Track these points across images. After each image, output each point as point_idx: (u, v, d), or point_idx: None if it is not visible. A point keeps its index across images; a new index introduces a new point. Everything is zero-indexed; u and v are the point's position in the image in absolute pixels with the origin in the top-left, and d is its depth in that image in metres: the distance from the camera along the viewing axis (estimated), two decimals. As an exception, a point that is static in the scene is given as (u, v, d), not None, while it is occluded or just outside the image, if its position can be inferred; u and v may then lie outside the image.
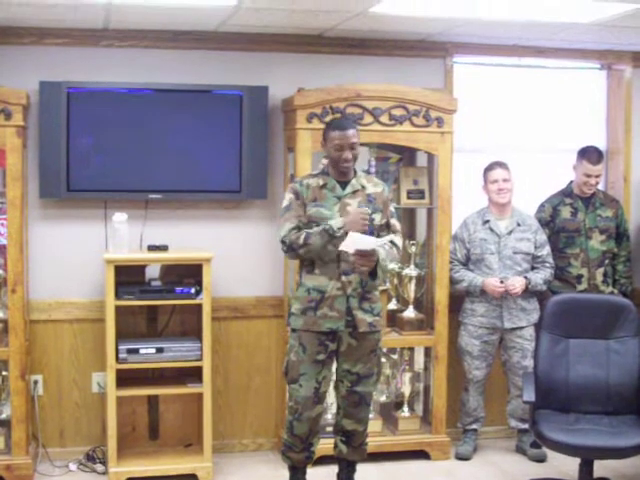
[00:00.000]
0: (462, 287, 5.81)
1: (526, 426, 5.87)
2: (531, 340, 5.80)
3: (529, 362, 5.72)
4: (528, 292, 5.80)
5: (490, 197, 5.88)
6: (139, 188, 5.58)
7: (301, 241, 4.61)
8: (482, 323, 5.83)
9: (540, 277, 5.80)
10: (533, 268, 5.86)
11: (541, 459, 5.80)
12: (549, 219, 6.07)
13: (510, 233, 5.84)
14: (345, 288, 4.68)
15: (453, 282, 5.81)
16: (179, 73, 5.66)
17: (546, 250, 5.89)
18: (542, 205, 6.14)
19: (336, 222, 4.58)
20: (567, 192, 6.13)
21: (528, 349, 5.81)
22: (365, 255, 4.51)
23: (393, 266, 4.72)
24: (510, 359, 5.89)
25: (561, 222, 6.05)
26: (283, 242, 4.69)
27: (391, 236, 4.72)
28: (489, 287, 5.72)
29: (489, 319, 5.82)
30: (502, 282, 5.71)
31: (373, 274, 4.65)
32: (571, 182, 6.15)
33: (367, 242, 4.53)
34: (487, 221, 5.85)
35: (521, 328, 5.84)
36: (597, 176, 6.02)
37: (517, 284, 5.71)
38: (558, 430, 4.77)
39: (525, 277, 5.77)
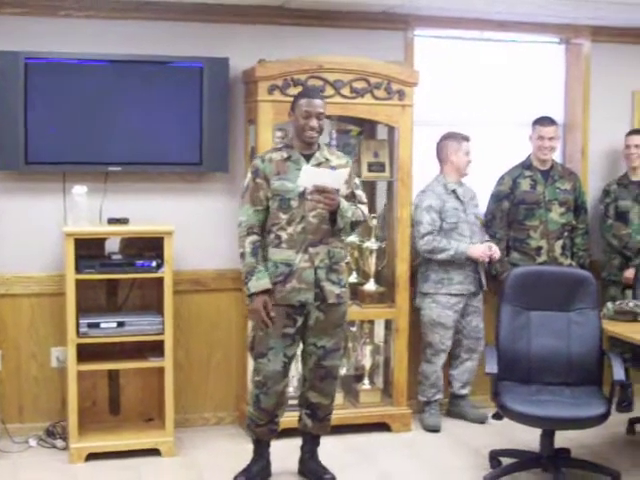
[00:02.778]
0: (447, 256, 5.83)
1: (467, 391, 6.15)
2: (483, 303, 6.05)
3: (483, 324, 6.04)
4: None
5: (460, 166, 5.95)
6: (98, 160, 5.51)
7: (241, 249, 4.70)
8: (459, 290, 5.90)
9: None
10: None
11: (482, 420, 6.00)
12: (508, 191, 6.11)
13: (468, 201, 5.98)
14: (313, 260, 4.67)
15: (437, 252, 5.82)
16: (139, 44, 5.57)
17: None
18: (501, 177, 6.19)
19: (254, 286, 4.63)
20: (526, 164, 6.18)
21: (482, 310, 6.05)
22: (324, 191, 4.51)
23: (356, 222, 4.73)
24: (470, 323, 6.02)
25: (520, 194, 6.10)
26: (239, 226, 4.72)
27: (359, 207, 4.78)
28: (477, 252, 5.83)
29: (465, 285, 5.91)
30: (490, 248, 5.87)
31: (333, 221, 4.65)
32: (529, 155, 6.19)
33: (322, 174, 4.56)
34: (453, 190, 5.92)
35: (478, 292, 6.02)
36: (550, 139, 6.09)
37: (498, 250, 5.91)
38: (520, 401, 4.81)
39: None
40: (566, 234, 6.17)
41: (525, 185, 6.12)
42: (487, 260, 5.89)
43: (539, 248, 6.08)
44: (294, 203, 4.66)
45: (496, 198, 6.18)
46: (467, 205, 5.95)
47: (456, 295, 5.91)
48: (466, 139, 5.94)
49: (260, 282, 4.66)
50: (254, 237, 4.70)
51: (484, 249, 5.85)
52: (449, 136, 5.98)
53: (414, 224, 5.86)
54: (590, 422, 4.80)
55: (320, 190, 4.52)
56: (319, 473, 4.97)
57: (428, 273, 5.95)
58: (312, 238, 4.67)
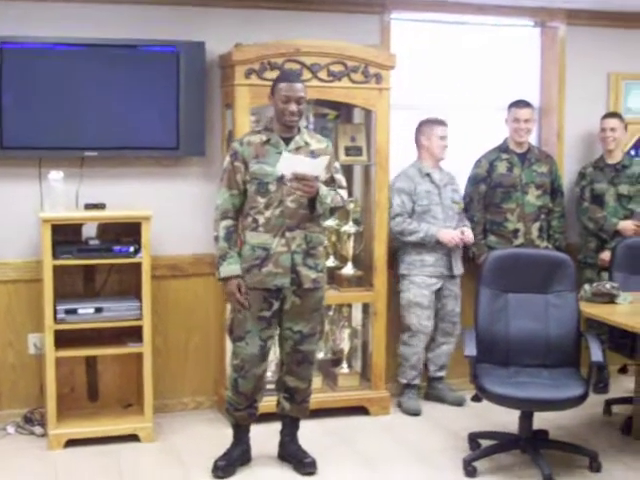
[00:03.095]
0: (417, 238, 5.84)
1: (443, 374, 6.19)
2: (459, 286, 6.06)
3: (459, 308, 6.06)
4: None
5: (433, 151, 5.95)
6: (75, 145, 5.47)
7: (215, 233, 4.71)
8: (432, 273, 5.91)
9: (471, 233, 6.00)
10: None
11: (460, 403, 6.05)
12: (485, 174, 6.14)
13: (445, 185, 5.98)
14: (289, 244, 4.66)
15: (406, 234, 5.84)
16: (115, 28, 5.52)
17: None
18: (479, 160, 6.21)
19: (224, 271, 4.66)
20: (503, 148, 6.20)
21: (459, 295, 6.08)
22: (303, 179, 4.51)
23: (335, 208, 4.74)
24: (444, 307, 6.04)
25: (497, 177, 6.12)
26: (215, 209, 4.73)
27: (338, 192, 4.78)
28: (447, 237, 5.84)
29: (438, 268, 5.92)
30: (463, 232, 5.89)
31: (312, 207, 4.64)
32: (506, 139, 6.21)
33: (302, 162, 4.54)
34: (428, 174, 5.93)
35: (459, 275, 6.02)
36: (526, 121, 6.12)
37: (471, 235, 5.92)
38: (499, 383, 4.82)
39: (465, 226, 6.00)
40: (543, 217, 6.20)
41: (502, 168, 6.14)
42: (458, 244, 5.90)
43: (516, 231, 6.10)
44: (272, 187, 4.64)
45: (473, 181, 6.19)
46: (443, 189, 5.95)
47: (430, 277, 5.93)
48: (440, 123, 5.96)
49: (230, 267, 4.66)
50: (228, 221, 4.70)
51: (454, 234, 5.86)
52: (423, 121, 6.01)
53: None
54: (568, 403, 4.82)
55: (299, 178, 4.52)
56: (299, 457, 4.96)
57: (403, 256, 5.97)
58: (289, 222, 4.66)
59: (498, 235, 6.13)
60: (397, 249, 6.00)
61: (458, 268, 6.01)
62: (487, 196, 6.13)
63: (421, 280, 5.92)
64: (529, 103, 6.20)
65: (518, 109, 6.12)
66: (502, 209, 6.13)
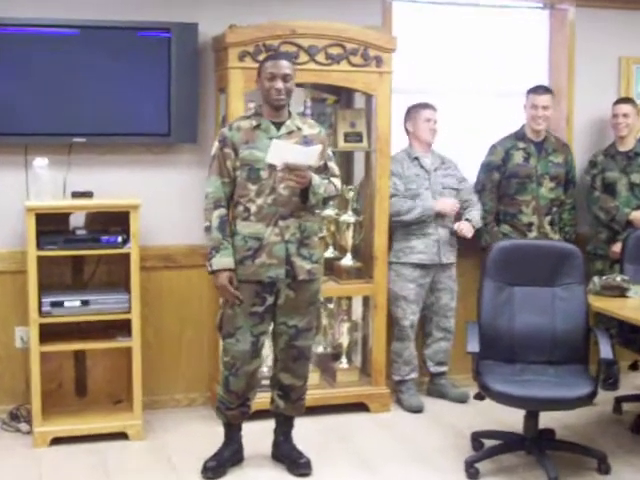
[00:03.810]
0: (415, 215, 5.65)
1: (444, 369, 6.00)
2: (456, 280, 5.89)
3: (455, 303, 5.90)
4: (443, 221, 5.79)
5: (419, 135, 5.79)
6: (62, 131, 5.28)
7: (207, 223, 4.49)
8: (421, 260, 5.72)
9: (476, 214, 5.81)
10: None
11: (463, 400, 5.85)
12: (500, 162, 5.93)
13: (436, 170, 5.80)
14: (283, 234, 4.44)
15: (403, 213, 5.64)
16: (104, 10, 5.31)
17: (468, 185, 5.91)
18: (493, 147, 6.00)
19: (217, 263, 4.43)
20: (520, 135, 6.00)
21: (455, 290, 5.91)
22: (294, 169, 4.30)
23: (328, 198, 4.54)
24: (438, 301, 5.88)
25: (513, 167, 5.92)
26: (206, 197, 4.51)
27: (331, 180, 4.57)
28: (447, 206, 5.71)
29: (428, 255, 5.73)
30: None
31: (305, 198, 4.43)
32: (523, 126, 6.01)
33: (293, 151, 4.32)
34: (416, 158, 5.76)
35: (450, 267, 5.85)
36: (544, 107, 5.90)
37: (468, 231, 5.74)
38: (503, 381, 4.62)
39: (467, 219, 5.77)
40: (555, 209, 5.99)
41: (518, 157, 5.93)
42: (453, 213, 5.76)
43: (530, 224, 5.91)
44: (264, 174, 4.42)
45: (487, 168, 5.98)
46: (433, 174, 5.77)
47: (417, 266, 5.73)
48: (427, 107, 5.78)
49: (223, 260, 4.44)
50: (221, 210, 4.47)
51: (453, 201, 5.73)
52: (410, 107, 5.84)
53: None
54: (576, 403, 4.62)
55: (291, 168, 4.30)
56: (293, 457, 4.76)
57: (392, 243, 5.77)
58: (283, 211, 4.44)
59: (512, 226, 5.94)
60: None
61: (447, 257, 5.80)
62: (501, 185, 5.93)
63: (408, 272, 5.74)
64: (549, 89, 6.00)
65: (536, 95, 5.91)
66: (516, 200, 5.93)
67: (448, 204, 5.70)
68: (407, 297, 5.76)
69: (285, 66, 4.44)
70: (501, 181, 5.94)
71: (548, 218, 5.96)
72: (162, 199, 5.53)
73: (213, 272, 4.47)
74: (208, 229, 4.48)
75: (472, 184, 5.97)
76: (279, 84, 4.42)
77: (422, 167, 5.76)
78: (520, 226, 5.92)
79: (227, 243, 4.45)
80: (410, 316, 5.79)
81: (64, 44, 5.22)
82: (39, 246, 4.96)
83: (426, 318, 5.95)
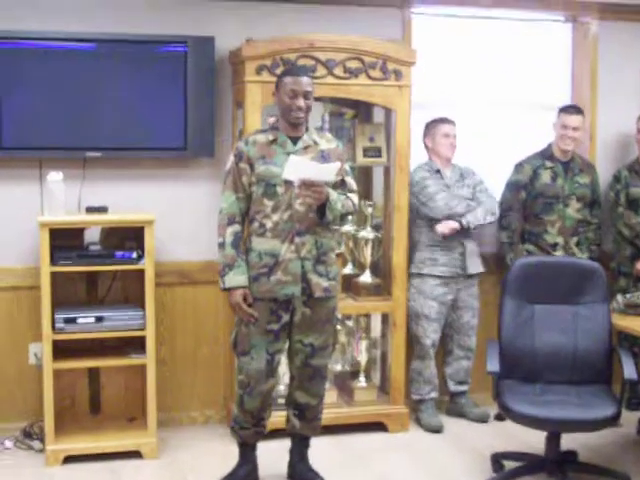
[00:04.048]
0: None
1: (465, 388, 5.90)
2: (478, 298, 5.80)
3: (477, 321, 5.80)
4: (467, 233, 5.67)
5: (438, 150, 5.71)
6: (77, 146, 5.23)
7: (220, 239, 4.41)
8: (443, 272, 5.63)
9: (478, 213, 5.64)
10: None
11: (484, 419, 5.75)
12: (527, 181, 5.83)
13: (456, 182, 5.73)
14: (299, 250, 4.36)
15: (454, 206, 5.59)
16: (120, 23, 5.28)
17: (483, 186, 5.77)
18: (520, 165, 5.89)
19: (230, 280, 4.36)
20: (547, 154, 5.89)
21: (477, 308, 5.82)
22: (311, 185, 4.21)
23: (346, 214, 4.46)
24: (459, 319, 5.79)
25: (540, 187, 5.82)
26: (220, 213, 4.44)
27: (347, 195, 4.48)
28: (447, 228, 5.57)
29: (451, 268, 5.65)
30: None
31: (322, 214, 4.34)
32: (550, 144, 5.91)
33: (311, 167, 4.24)
34: (438, 170, 5.69)
35: (474, 280, 5.76)
36: (575, 129, 5.79)
37: (444, 227, 5.59)
38: (524, 402, 4.52)
39: (458, 221, 5.60)
40: (581, 230, 5.89)
41: (546, 177, 5.83)
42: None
43: (555, 244, 5.81)
44: (280, 189, 4.34)
45: (513, 187, 5.88)
46: (453, 188, 5.68)
47: (439, 278, 5.63)
48: (446, 122, 5.70)
49: (237, 278, 4.36)
50: (236, 227, 4.39)
51: (454, 225, 5.58)
52: (429, 122, 5.76)
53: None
54: (599, 424, 4.51)
55: (307, 184, 4.22)
56: (309, 478, 4.67)
57: (414, 254, 5.69)
58: (299, 227, 4.35)
59: (537, 246, 5.83)
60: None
61: (475, 267, 5.71)
62: (526, 205, 5.82)
63: (429, 290, 5.64)
64: (580, 109, 5.88)
65: (567, 115, 5.81)
66: (542, 220, 5.83)
67: (448, 227, 5.57)
68: (429, 315, 5.66)
69: (307, 83, 4.37)
70: (527, 200, 5.83)
71: (575, 239, 5.85)
72: (178, 214, 5.47)
73: (226, 289, 4.39)
74: (222, 245, 4.40)
75: (485, 186, 5.80)
76: (300, 102, 4.34)
77: (443, 179, 5.68)
78: (545, 246, 5.81)
79: (241, 260, 4.37)
80: (432, 334, 5.70)
81: (79, 58, 5.18)
82: (53, 261, 4.91)
83: (447, 336, 5.85)
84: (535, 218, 5.86)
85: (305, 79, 4.38)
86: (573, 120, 5.79)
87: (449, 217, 5.56)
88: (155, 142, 5.33)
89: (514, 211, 5.85)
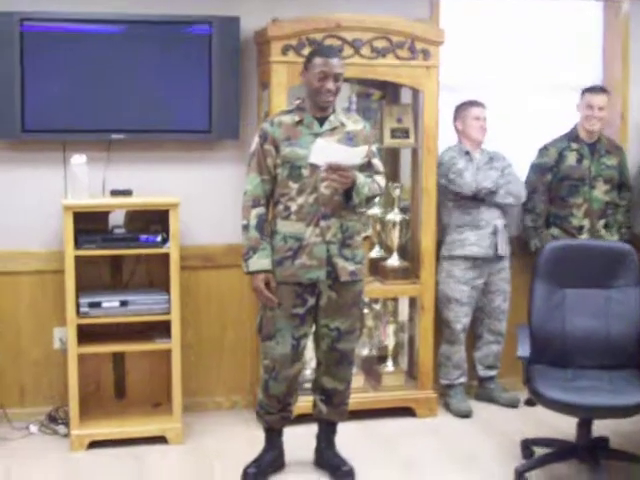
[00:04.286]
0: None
1: (494, 373, 5.84)
2: (509, 282, 5.72)
3: (508, 305, 5.73)
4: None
5: (469, 133, 5.62)
6: (101, 128, 5.18)
7: (244, 221, 4.35)
8: (474, 253, 5.56)
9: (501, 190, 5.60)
10: None
11: (514, 405, 5.69)
12: (553, 164, 5.73)
13: (484, 164, 5.63)
14: (324, 234, 4.28)
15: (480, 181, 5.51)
16: (144, 3, 5.21)
17: (511, 169, 5.66)
18: (545, 148, 5.80)
19: (254, 264, 4.30)
20: (572, 136, 5.79)
21: (508, 291, 5.74)
22: (337, 169, 4.14)
23: (372, 197, 4.39)
24: (491, 303, 5.72)
25: (566, 169, 5.72)
26: (244, 194, 4.38)
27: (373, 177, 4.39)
28: None
29: (482, 248, 5.56)
30: None
31: (348, 197, 4.27)
32: (575, 125, 5.81)
33: (337, 151, 4.17)
34: (467, 152, 5.60)
35: (504, 263, 5.68)
36: (600, 109, 5.69)
37: None
38: (555, 387, 4.42)
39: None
40: (609, 212, 5.78)
41: (571, 159, 5.73)
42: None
43: (581, 227, 5.71)
44: (305, 172, 4.26)
45: (538, 169, 5.78)
46: (482, 169, 5.57)
47: (470, 260, 5.55)
48: (476, 104, 5.61)
49: (261, 261, 4.29)
50: (260, 209, 4.32)
51: None
52: (459, 105, 5.67)
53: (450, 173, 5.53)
54: (632, 410, 4.38)
55: (334, 168, 4.14)
56: (336, 464, 4.61)
57: (445, 237, 5.64)
58: (324, 210, 4.28)
59: (562, 229, 5.74)
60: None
61: (503, 249, 5.61)
62: (552, 188, 5.73)
63: (461, 274, 5.57)
64: (605, 89, 5.79)
65: (592, 95, 5.71)
66: (568, 203, 5.73)
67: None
68: (460, 299, 5.60)
69: (337, 65, 4.28)
70: (552, 183, 5.74)
71: (602, 221, 5.75)
72: (203, 197, 5.42)
73: (250, 273, 4.33)
74: (246, 228, 4.34)
75: (514, 170, 5.68)
76: (330, 84, 4.26)
77: (471, 161, 5.58)
78: (570, 229, 5.72)
79: (265, 243, 4.31)
80: (462, 319, 5.63)
81: (102, 40, 5.13)
82: (77, 245, 4.86)
83: (477, 320, 5.79)
84: (561, 201, 5.76)
85: (336, 60, 4.29)
86: (599, 100, 5.69)
87: (477, 193, 5.47)
88: (180, 124, 5.27)
89: (539, 194, 5.77)
